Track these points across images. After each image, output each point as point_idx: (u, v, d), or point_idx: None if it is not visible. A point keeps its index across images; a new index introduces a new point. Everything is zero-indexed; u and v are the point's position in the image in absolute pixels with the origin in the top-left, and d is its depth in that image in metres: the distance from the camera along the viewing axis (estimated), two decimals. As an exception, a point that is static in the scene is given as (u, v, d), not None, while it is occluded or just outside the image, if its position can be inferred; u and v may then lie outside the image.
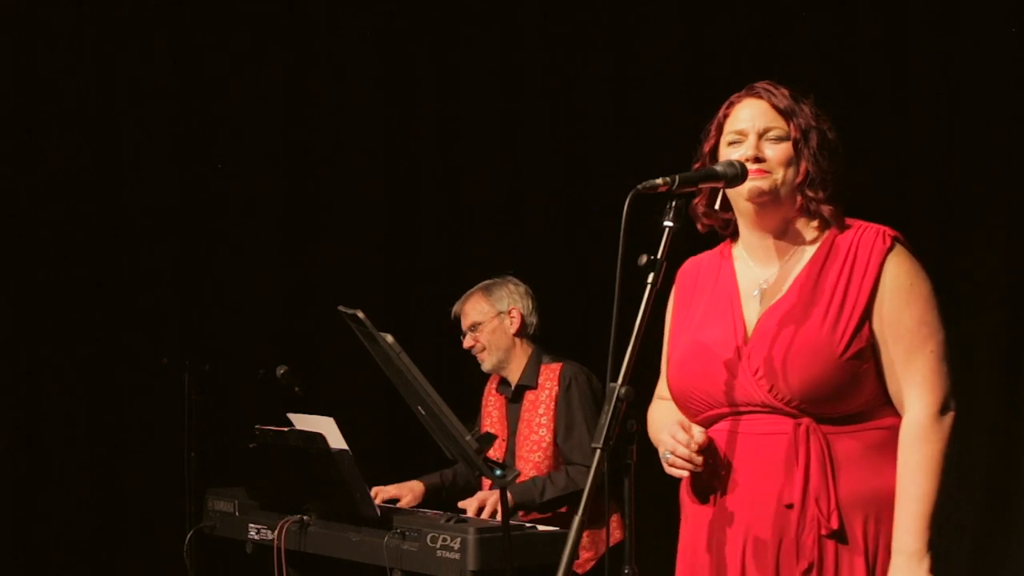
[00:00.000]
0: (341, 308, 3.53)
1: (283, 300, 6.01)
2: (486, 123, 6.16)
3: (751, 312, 2.77)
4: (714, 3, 5.67)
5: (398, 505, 4.48)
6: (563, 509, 4.40)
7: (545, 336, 4.70)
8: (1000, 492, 4.92)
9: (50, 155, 5.61)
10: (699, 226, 2.88)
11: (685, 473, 2.72)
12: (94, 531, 5.64)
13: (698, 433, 2.71)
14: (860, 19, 5.26)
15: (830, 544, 2.64)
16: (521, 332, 4.64)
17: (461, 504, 4.36)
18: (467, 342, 4.68)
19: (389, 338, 3.49)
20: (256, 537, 4.36)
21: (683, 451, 2.69)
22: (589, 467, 4.28)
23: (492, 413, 4.70)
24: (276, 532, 4.20)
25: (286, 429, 4.24)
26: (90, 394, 5.65)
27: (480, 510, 4.27)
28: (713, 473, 2.74)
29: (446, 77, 6.19)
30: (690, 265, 2.96)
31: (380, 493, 4.48)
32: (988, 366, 4.91)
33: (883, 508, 2.66)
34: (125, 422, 5.69)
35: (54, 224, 5.60)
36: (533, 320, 4.67)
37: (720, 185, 2.73)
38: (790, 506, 2.65)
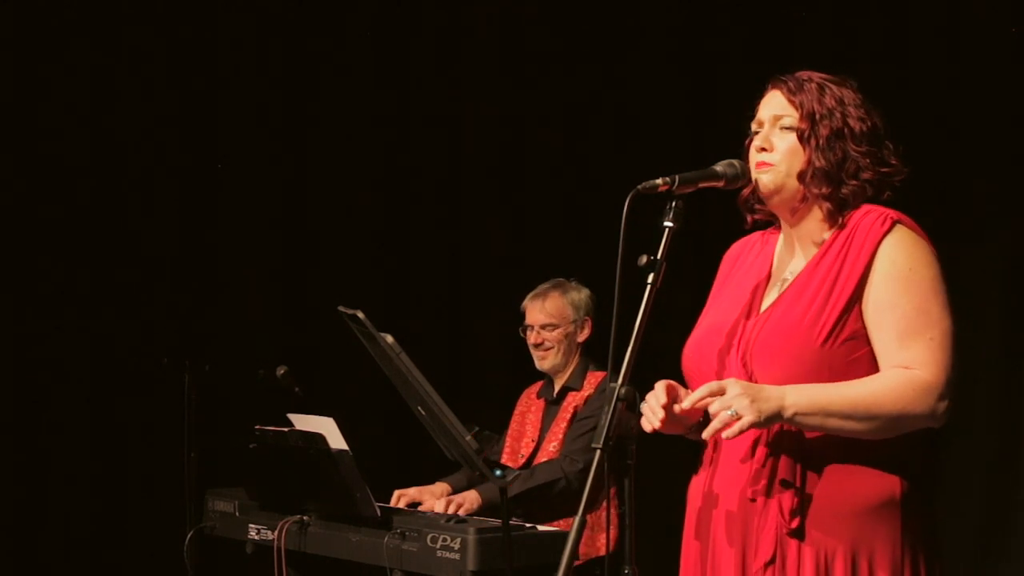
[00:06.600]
0: (341, 308, 3.53)
1: (283, 300, 6.00)
2: (486, 123, 6.15)
3: (769, 301, 2.72)
4: (716, 3, 5.67)
5: (420, 508, 4.47)
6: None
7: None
8: (1000, 492, 4.92)
9: (49, 153, 5.61)
10: (748, 218, 2.82)
11: (647, 425, 2.61)
12: (94, 531, 5.64)
13: (686, 402, 2.60)
14: (860, 20, 5.25)
15: (792, 543, 2.57)
16: (586, 341, 4.65)
17: (430, 504, 4.37)
18: (533, 338, 4.64)
19: (389, 338, 3.49)
20: (256, 537, 4.36)
21: (652, 403, 2.61)
22: (580, 458, 4.36)
23: (528, 416, 4.67)
24: (276, 532, 4.19)
25: (286, 429, 4.23)
26: (90, 394, 5.65)
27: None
28: (703, 460, 2.74)
29: (446, 77, 6.18)
30: (736, 246, 2.92)
31: (402, 497, 4.48)
32: (988, 366, 4.90)
33: (861, 516, 2.57)
34: (125, 422, 5.69)
35: (54, 223, 5.61)
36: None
37: (720, 185, 2.70)
38: (753, 500, 2.61)
